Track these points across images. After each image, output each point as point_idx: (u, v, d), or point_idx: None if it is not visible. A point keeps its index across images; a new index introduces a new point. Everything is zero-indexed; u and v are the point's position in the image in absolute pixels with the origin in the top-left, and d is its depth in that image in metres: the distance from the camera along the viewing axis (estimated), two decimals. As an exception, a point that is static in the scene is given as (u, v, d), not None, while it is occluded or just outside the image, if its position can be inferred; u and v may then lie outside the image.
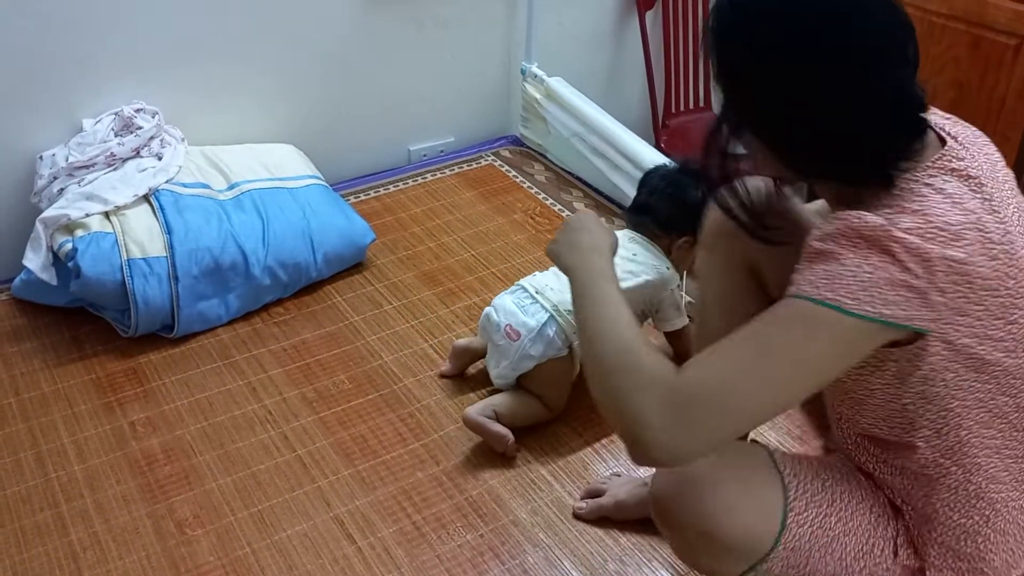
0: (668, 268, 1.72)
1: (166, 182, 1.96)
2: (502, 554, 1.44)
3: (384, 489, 1.54)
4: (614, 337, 1.04)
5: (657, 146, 2.57)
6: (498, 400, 1.63)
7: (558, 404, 1.67)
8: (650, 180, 1.80)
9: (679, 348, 1.82)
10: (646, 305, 1.70)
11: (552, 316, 1.61)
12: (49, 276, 1.85)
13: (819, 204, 1.26)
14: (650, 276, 1.68)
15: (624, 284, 1.63)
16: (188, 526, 1.47)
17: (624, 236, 1.74)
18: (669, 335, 1.79)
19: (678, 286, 1.74)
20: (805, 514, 1.11)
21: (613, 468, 1.60)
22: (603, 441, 1.65)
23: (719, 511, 1.09)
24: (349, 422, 1.68)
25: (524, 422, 1.64)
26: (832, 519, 1.12)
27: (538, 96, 2.54)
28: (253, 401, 1.72)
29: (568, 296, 1.61)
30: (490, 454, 1.61)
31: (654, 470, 1.29)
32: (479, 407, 1.61)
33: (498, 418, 1.61)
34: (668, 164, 1.83)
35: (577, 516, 1.50)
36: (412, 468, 1.58)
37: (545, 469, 1.59)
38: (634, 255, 1.70)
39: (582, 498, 1.53)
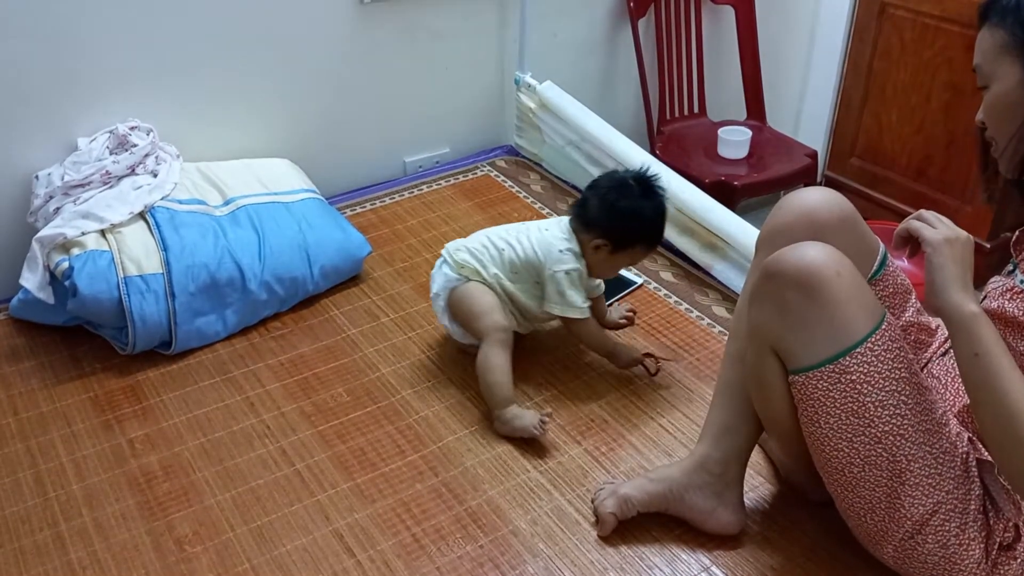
0: (562, 252, 1.70)
1: (162, 199, 1.96)
2: (502, 565, 1.43)
3: (383, 502, 1.54)
4: None
5: (652, 153, 2.58)
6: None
7: (473, 328, 1.74)
8: (601, 179, 1.77)
9: (573, 332, 1.80)
10: (537, 277, 1.74)
11: (443, 258, 1.79)
12: (46, 295, 1.85)
13: None
14: (539, 251, 1.72)
15: (514, 248, 1.73)
16: (187, 543, 1.46)
17: (562, 220, 1.78)
18: (564, 320, 1.77)
19: (568, 272, 1.70)
20: (895, 343, 1.23)
21: (612, 475, 1.59)
22: (603, 449, 1.65)
23: (832, 273, 1.22)
24: (347, 435, 1.68)
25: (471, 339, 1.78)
26: (911, 371, 1.24)
27: (532, 105, 2.55)
28: (251, 416, 1.72)
29: (457, 240, 1.79)
30: (488, 464, 1.61)
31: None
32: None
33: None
34: (631, 170, 1.78)
35: (603, 537, 1.48)
36: (411, 480, 1.58)
37: (544, 478, 1.59)
38: (546, 229, 1.76)
39: (599, 531, 1.49)
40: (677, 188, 2.18)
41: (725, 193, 2.47)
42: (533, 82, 2.53)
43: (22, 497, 1.55)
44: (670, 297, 2.08)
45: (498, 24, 2.57)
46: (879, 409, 1.21)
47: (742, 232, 2.02)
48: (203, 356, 1.87)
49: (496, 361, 1.68)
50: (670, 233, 2.21)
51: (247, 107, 2.27)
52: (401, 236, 2.28)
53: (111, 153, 2.01)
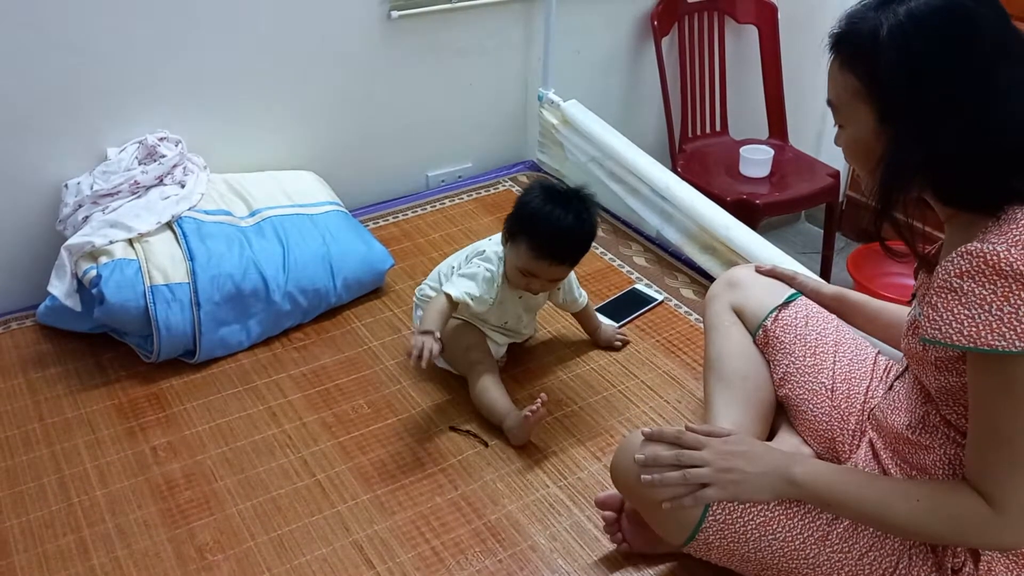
0: (483, 251, 1.79)
1: (189, 209, 1.98)
2: (521, 580, 1.44)
3: (403, 514, 1.55)
4: (891, 513, 1.16)
5: (674, 171, 2.58)
6: None
7: (456, 367, 1.83)
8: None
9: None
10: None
11: (415, 303, 1.90)
12: (73, 302, 1.87)
13: None
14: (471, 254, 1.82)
15: (461, 264, 1.81)
16: (208, 551, 1.47)
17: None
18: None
19: (475, 261, 1.77)
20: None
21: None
22: (622, 466, 1.65)
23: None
24: (368, 447, 1.68)
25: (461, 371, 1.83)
26: (777, 505, 1.26)
27: (555, 122, 2.56)
28: (273, 426, 1.73)
29: (428, 280, 1.87)
30: (508, 478, 1.62)
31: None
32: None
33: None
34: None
35: (597, 500, 1.52)
36: (431, 493, 1.59)
37: (564, 494, 1.59)
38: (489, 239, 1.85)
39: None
40: (698, 206, 2.19)
41: (747, 212, 2.47)
42: (556, 99, 2.55)
43: (46, 502, 1.56)
44: (690, 314, 2.08)
45: (522, 41, 2.59)
46: (755, 553, 1.27)
47: (763, 251, 2.02)
48: (226, 365, 1.89)
49: (483, 385, 1.74)
50: (691, 251, 2.22)
51: (274, 120, 2.29)
52: (423, 250, 2.30)
53: (140, 163, 2.04)
